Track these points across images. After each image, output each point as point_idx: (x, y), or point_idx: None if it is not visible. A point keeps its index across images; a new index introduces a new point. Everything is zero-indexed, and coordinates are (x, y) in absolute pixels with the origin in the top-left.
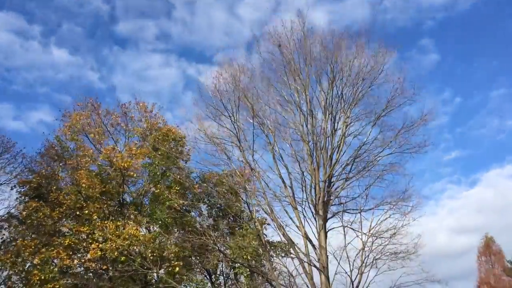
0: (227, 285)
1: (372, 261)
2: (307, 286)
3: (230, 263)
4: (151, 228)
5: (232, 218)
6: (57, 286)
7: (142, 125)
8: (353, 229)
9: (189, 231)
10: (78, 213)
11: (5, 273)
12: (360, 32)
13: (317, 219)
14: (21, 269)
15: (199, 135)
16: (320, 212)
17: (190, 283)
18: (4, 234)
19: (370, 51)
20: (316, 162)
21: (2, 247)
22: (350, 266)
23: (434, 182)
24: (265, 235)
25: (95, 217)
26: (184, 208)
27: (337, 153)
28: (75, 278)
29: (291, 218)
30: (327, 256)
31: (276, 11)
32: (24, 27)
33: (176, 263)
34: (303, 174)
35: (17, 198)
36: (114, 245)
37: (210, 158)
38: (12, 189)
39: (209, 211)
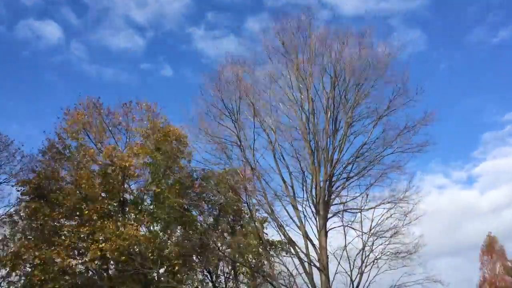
0: (227, 284)
1: (373, 261)
2: (307, 286)
3: (231, 263)
4: (151, 227)
5: (232, 218)
6: (57, 286)
7: (143, 124)
8: (354, 229)
9: (189, 230)
10: (78, 213)
11: (4, 273)
12: (364, 31)
13: (317, 219)
14: (21, 268)
15: (200, 134)
16: (321, 212)
17: (191, 282)
18: (4, 233)
19: (374, 50)
20: (317, 162)
21: (2, 247)
22: (350, 266)
23: (467, 97)
24: (266, 233)
25: (95, 217)
26: (185, 207)
27: (339, 152)
28: (75, 278)
29: (291, 218)
30: (327, 256)
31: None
32: None
33: (176, 262)
34: (304, 174)
35: (17, 198)
36: (114, 246)
37: (210, 157)
38: (13, 186)
39: (209, 210)
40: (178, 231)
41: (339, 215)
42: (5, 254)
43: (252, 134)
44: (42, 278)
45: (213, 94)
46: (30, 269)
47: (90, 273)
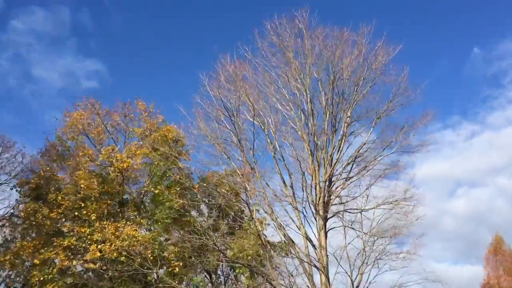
0: (227, 285)
1: (373, 261)
2: (307, 286)
3: (230, 263)
4: (151, 228)
5: (232, 218)
6: (57, 287)
7: (142, 125)
8: (354, 229)
9: (189, 231)
10: (77, 213)
11: (4, 273)
12: (362, 30)
13: (317, 219)
14: (20, 269)
15: (199, 135)
16: (321, 212)
17: (190, 283)
18: (4, 234)
19: (371, 50)
20: (316, 162)
21: (1, 247)
22: (350, 266)
23: None
24: (265, 235)
25: (94, 217)
26: (184, 208)
27: (338, 152)
28: (74, 278)
29: (291, 218)
30: (327, 256)
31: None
32: None
33: (176, 263)
34: (303, 174)
35: (16, 199)
36: (113, 246)
37: (210, 158)
38: (12, 189)
39: (209, 211)
40: (177, 231)
41: (339, 215)
42: (4, 253)
43: (252, 135)
44: (41, 278)
45: (212, 94)
46: (29, 269)
47: (90, 273)
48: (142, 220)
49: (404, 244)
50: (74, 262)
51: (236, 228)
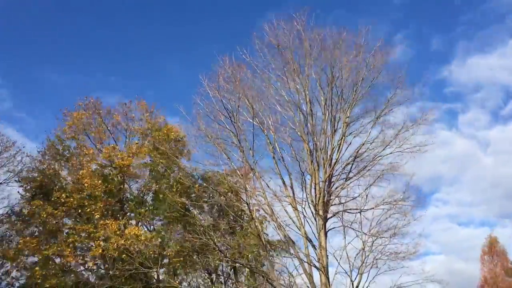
0: (227, 284)
1: (373, 261)
2: (307, 286)
3: (231, 263)
4: (151, 227)
5: (232, 218)
6: (59, 283)
7: (142, 124)
8: (353, 229)
9: (189, 230)
10: (80, 211)
11: (4, 269)
12: (360, 31)
13: (317, 219)
14: (22, 266)
15: (199, 135)
16: (320, 212)
17: (191, 282)
18: (6, 232)
19: (370, 50)
20: (316, 162)
21: (4, 244)
22: (350, 266)
23: None
24: (266, 234)
25: (97, 215)
26: (184, 207)
27: (337, 152)
28: (76, 276)
29: (291, 218)
30: (327, 256)
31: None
32: None
33: (176, 261)
34: (303, 174)
35: (21, 194)
36: (115, 245)
37: (210, 158)
38: (19, 185)
39: (209, 210)
40: (178, 230)
41: (339, 215)
42: (7, 249)
43: (251, 135)
44: (43, 273)
45: (212, 95)
46: (31, 266)
47: (90, 272)
48: (145, 214)
49: (403, 244)
50: (79, 259)
51: (237, 228)
